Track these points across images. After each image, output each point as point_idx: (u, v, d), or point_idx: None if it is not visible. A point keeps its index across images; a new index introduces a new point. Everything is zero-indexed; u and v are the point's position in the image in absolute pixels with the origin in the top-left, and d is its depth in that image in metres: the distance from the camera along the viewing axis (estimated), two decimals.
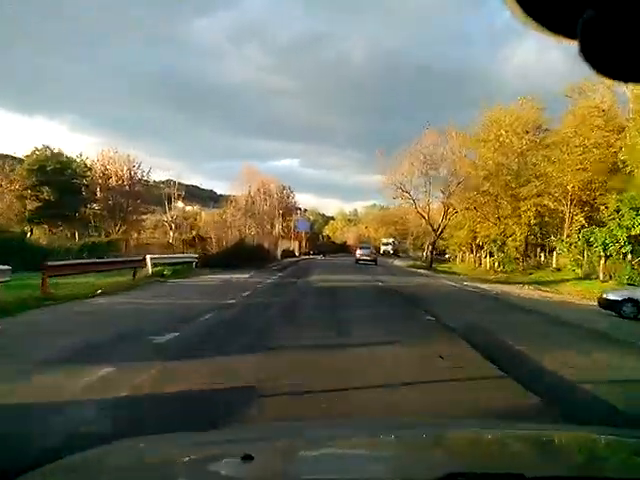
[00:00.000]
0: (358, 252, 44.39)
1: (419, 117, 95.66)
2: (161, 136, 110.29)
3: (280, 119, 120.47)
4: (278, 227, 43.89)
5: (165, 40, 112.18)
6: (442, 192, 40.43)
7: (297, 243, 57.15)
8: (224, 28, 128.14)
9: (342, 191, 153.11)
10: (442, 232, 42.52)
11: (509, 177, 39.10)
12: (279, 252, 41.94)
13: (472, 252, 63.71)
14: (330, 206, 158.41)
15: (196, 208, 48.68)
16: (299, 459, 1.65)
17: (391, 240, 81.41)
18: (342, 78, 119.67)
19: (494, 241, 40.06)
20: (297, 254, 53.99)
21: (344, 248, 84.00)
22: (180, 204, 44.17)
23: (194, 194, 53.75)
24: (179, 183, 41.62)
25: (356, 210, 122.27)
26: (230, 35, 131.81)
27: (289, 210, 68.07)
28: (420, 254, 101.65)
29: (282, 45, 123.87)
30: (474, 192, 39.34)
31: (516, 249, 38.04)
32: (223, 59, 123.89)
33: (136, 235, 41.13)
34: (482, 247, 57.33)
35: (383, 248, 76.60)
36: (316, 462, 1.60)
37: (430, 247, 42.33)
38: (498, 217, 45.56)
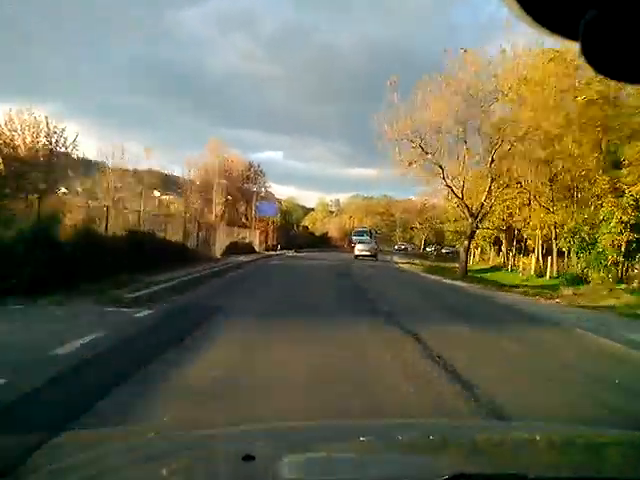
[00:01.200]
0: (358, 247, 39.95)
1: None
2: (149, 125, 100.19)
3: (266, 110, 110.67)
4: (217, 208, 26.55)
5: (153, 29, 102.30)
6: (491, 152, 23.56)
7: (259, 233, 40.15)
8: (211, 16, 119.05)
9: (325, 184, 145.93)
10: (483, 219, 25.78)
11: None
12: (218, 247, 24.87)
13: (494, 247, 47.73)
14: (312, 198, 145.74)
15: (170, 197, 37.98)
16: (300, 459, 1.60)
17: (367, 229, 60.76)
18: (330, 69, 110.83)
19: (574, 234, 23.72)
20: (257, 249, 37.05)
21: (324, 240, 67.19)
22: (156, 192, 36.50)
23: (174, 183, 46.85)
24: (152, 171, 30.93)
25: (338, 200, 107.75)
26: (217, 23, 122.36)
27: (250, 192, 50.93)
28: (409, 248, 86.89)
29: (270, 35, 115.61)
30: (542, 153, 22.81)
31: (617, 247, 21.76)
32: (211, 48, 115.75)
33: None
34: (519, 241, 41.27)
35: (356, 239, 56.44)
36: (317, 463, 1.56)
37: (466, 243, 25.34)
38: (552, 199, 29.54)
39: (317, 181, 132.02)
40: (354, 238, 58.30)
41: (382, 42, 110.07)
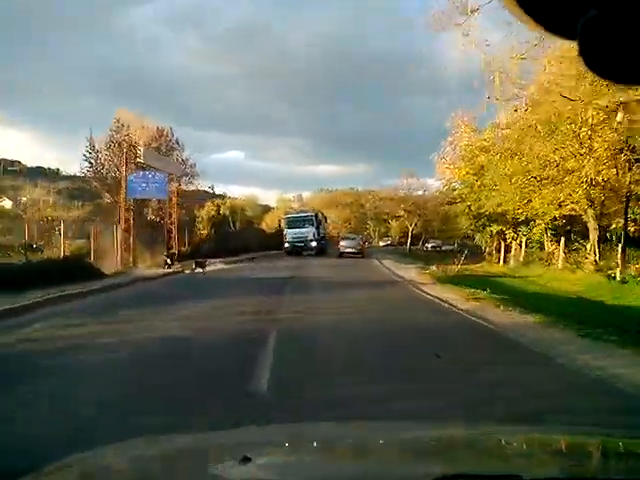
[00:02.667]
0: (342, 243, 32.92)
1: (367, 103, 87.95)
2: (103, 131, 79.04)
3: (224, 109, 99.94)
4: None
5: (100, 29, 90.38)
6: None
7: (122, 233, 19.94)
8: (162, 14, 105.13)
9: (288, 183, 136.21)
10: None
11: None
12: None
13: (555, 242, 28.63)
14: (275, 198, 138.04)
15: None
16: (297, 461, 1.56)
17: (310, 214, 36.89)
18: (288, 65, 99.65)
19: None
20: (116, 266, 16.94)
21: (278, 239, 46.97)
22: None
23: None
24: None
25: (301, 195, 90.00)
26: (170, 22, 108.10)
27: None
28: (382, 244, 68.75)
29: (225, 32, 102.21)
30: None
31: None
32: (163, 48, 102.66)
33: None
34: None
35: (291, 235, 34.83)
36: (314, 464, 1.51)
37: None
38: None
39: (280, 180, 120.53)
40: (289, 232, 35.12)
41: (339, 39, 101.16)
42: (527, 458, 1.55)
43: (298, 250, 33.32)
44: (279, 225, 45.76)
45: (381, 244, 68.43)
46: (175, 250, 25.76)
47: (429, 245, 57.44)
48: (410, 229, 56.78)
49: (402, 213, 57.54)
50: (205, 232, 41.45)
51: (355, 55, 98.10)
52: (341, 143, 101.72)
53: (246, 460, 1.26)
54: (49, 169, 60.40)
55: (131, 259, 20.51)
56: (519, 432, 1.95)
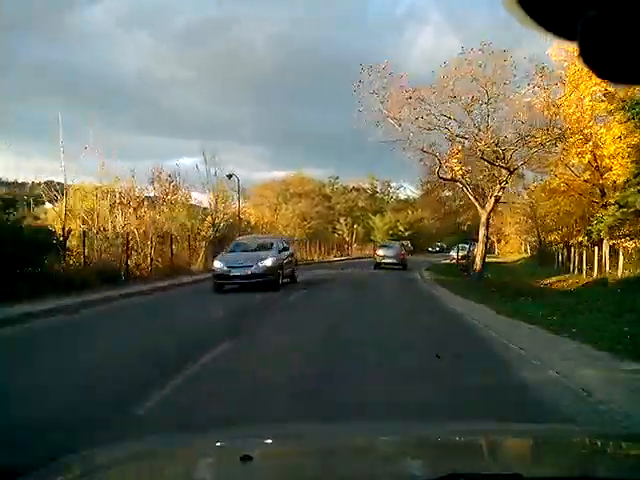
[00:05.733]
0: (379, 252, 28.67)
1: (324, 108, 79.93)
2: (48, 136, 52.01)
3: (178, 114, 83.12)
4: None
5: (44, 29, 71.46)
6: None
7: None
8: (113, 13, 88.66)
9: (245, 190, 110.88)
10: None
11: None
12: None
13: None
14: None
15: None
16: (298, 460, 1.53)
17: None
18: (242, 68, 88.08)
19: None
20: None
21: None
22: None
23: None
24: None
25: (244, 189, 61.74)
26: (120, 21, 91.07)
27: None
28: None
29: (180, 34, 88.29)
30: None
31: None
32: (113, 48, 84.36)
33: None
34: None
35: None
36: (315, 463, 1.49)
37: None
38: None
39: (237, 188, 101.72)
40: None
41: (300, 40, 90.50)
42: (528, 457, 1.51)
43: None
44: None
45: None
46: None
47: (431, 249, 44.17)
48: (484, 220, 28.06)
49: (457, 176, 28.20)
50: None
51: (318, 58, 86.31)
52: (302, 149, 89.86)
53: (247, 459, 1.24)
54: None
55: None
56: (519, 432, 1.88)
